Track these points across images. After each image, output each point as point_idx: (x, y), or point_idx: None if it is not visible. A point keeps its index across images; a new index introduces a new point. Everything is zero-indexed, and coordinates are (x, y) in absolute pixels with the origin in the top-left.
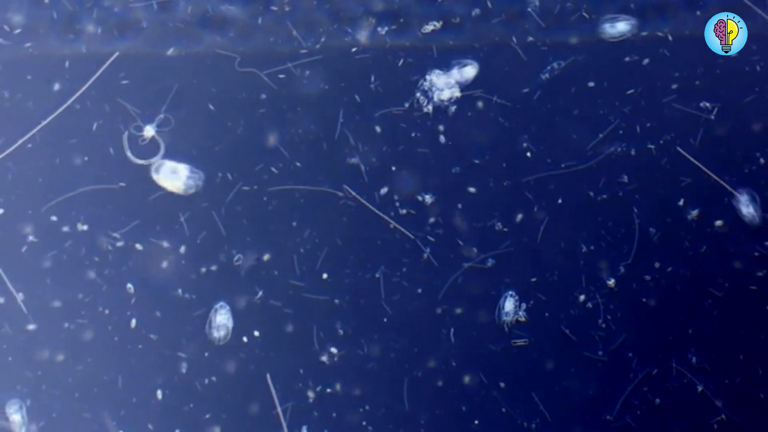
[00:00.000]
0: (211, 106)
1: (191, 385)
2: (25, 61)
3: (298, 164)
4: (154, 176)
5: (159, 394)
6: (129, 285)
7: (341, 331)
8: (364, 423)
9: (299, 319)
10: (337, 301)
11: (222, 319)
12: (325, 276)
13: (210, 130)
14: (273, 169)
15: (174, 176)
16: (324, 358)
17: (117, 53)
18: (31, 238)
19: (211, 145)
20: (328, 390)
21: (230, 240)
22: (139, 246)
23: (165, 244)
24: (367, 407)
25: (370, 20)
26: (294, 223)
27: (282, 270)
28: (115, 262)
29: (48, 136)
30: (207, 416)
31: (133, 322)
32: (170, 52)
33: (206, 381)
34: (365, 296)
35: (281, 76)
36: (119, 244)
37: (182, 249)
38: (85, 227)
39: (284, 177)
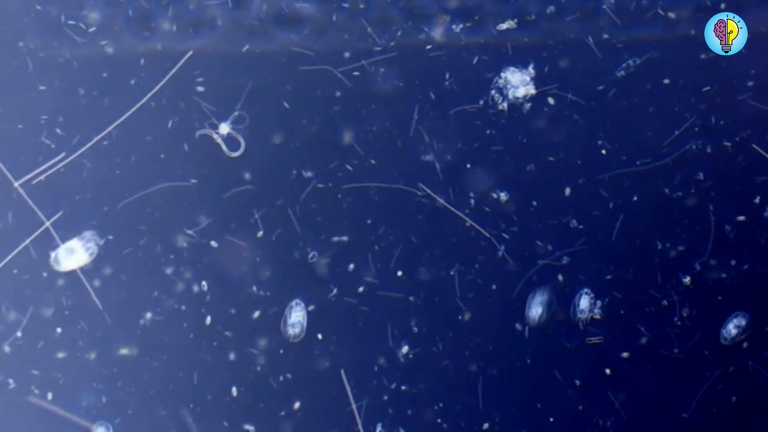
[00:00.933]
0: (285, 104)
1: (266, 381)
2: (101, 59)
3: (372, 161)
4: (57, 268)
5: (234, 391)
6: (203, 282)
7: (416, 329)
8: (438, 420)
9: (374, 316)
10: (411, 298)
11: (297, 317)
12: (399, 273)
13: (285, 128)
14: (348, 167)
15: (74, 254)
16: (399, 356)
17: (191, 51)
18: (108, 235)
19: (286, 143)
20: (403, 387)
21: (305, 237)
22: (214, 243)
23: (240, 241)
24: (441, 405)
25: (445, 18)
26: (369, 221)
27: (356, 267)
28: (190, 259)
29: (123, 134)
30: (282, 413)
31: (208, 319)
32: (245, 49)
33: (281, 378)
34: (440, 294)
35: (356, 73)
36: (194, 241)
37: (257, 246)
38: (160, 224)
39: (359, 174)
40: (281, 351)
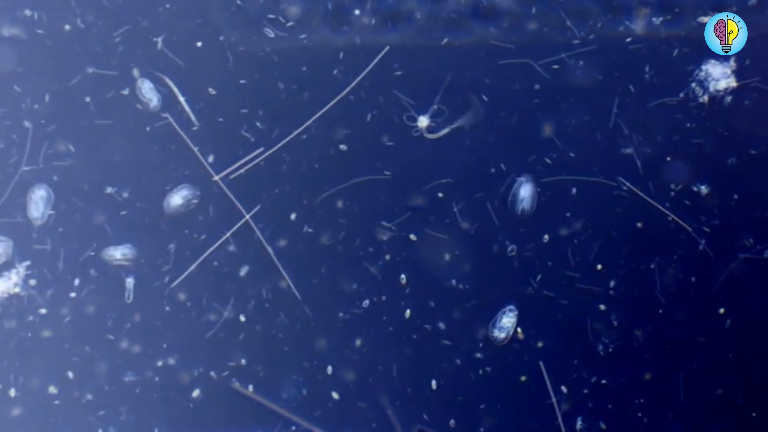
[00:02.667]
0: (484, 97)
1: (466, 375)
2: (300, 53)
3: (571, 155)
4: None
5: (434, 384)
6: (402, 275)
7: (615, 323)
8: (639, 414)
9: (573, 310)
10: (611, 292)
11: (507, 322)
12: (599, 267)
13: (483, 121)
14: (547, 160)
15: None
16: (598, 349)
17: (389, 46)
18: (306, 228)
19: (483, 136)
20: (603, 381)
21: (504, 231)
22: (413, 236)
23: (439, 234)
24: (642, 400)
25: (645, 10)
26: (568, 214)
27: (556, 260)
28: (390, 252)
29: (323, 127)
30: (482, 406)
31: (408, 313)
32: (444, 42)
33: (480, 372)
34: (639, 287)
35: (555, 66)
36: (393, 234)
37: (455, 239)
38: (359, 218)
39: (558, 167)
40: (480, 345)
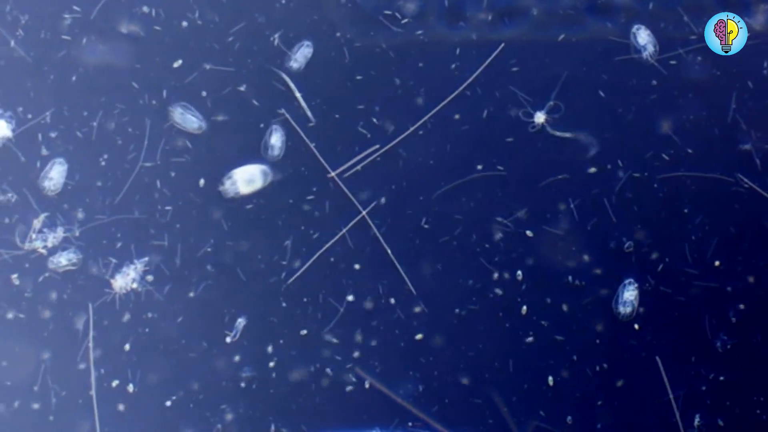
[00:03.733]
0: (601, 93)
1: (582, 371)
2: (417, 49)
3: (689, 150)
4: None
5: (550, 380)
6: (519, 272)
7: (733, 319)
8: (757, 411)
9: (691, 306)
10: (729, 288)
11: (629, 296)
12: (717, 263)
13: (600, 117)
14: (664, 156)
15: (252, 183)
16: (716, 346)
17: (505, 42)
18: (423, 224)
19: (599, 132)
20: (721, 378)
21: (620, 227)
22: (529, 233)
23: (555, 230)
24: (761, 397)
25: (764, 6)
26: (685, 210)
27: (673, 257)
28: (506, 248)
29: (439, 123)
30: (599, 403)
31: (524, 309)
32: (560, 38)
33: (597, 368)
34: (758, 284)
35: (672, 62)
36: (509, 230)
37: (571, 236)
38: (475, 214)
39: (675, 164)
40: (597, 341)
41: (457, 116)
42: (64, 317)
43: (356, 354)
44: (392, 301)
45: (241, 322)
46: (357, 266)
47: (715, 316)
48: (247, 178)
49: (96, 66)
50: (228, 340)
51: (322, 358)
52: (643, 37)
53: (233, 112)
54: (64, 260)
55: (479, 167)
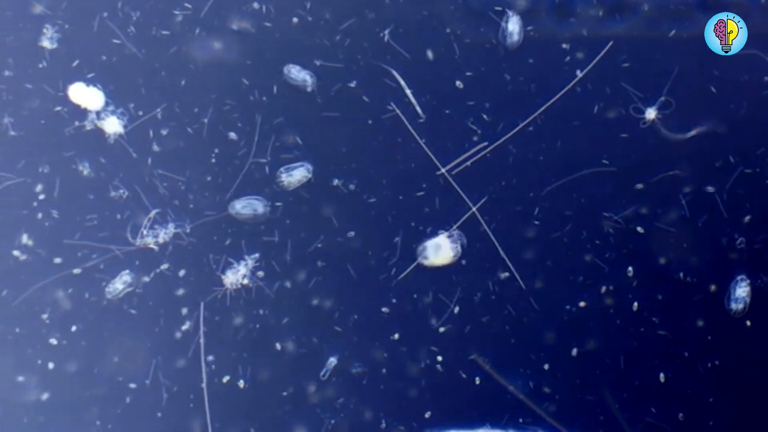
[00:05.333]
0: (712, 89)
1: (694, 368)
2: (527, 45)
3: None
4: (425, 262)
5: (662, 377)
6: (630, 268)
7: None
8: None
9: None
10: None
11: (741, 292)
12: None
13: (711, 113)
14: None
15: (440, 251)
16: None
17: (615, 38)
18: (532, 220)
19: (713, 128)
20: None
21: (731, 223)
22: (640, 229)
23: (666, 227)
24: None
25: None
26: None
27: None
28: (616, 244)
29: (549, 119)
30: (710, 400)
31: (635, 305)
32: (671, 34)
33: (709, 365)
34: None
35: None
36: (620, 227)
37: (683, 232)
38: (585, 210)
39: None
40: (708, 338)
41: (567, 112)
42: (175, 313)
43: (466, 350)
44: (502, 297)
45: (332, 361)
46: (466, 263)
47: None
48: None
49: (207, 62)
50: (321, 377)
51: (432, 354)
52: None
53: (343, 108)
54: (119, 285)
55: (590, 163)
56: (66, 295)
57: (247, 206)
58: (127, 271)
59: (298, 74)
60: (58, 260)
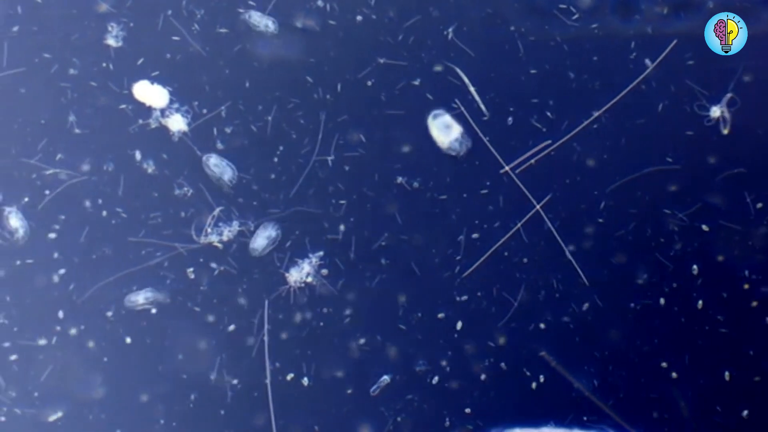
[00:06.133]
0: None
1: (759, 366)
2: (591, 42)
3: None
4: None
5: (726, 375)
6: (694, 266)
7: None
8: None
9: None
10: None
11: None
12: None
13: None
14: None
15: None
16: None
17: (680, 35)
18: (597, 218)
19: None
20: None
21: None
22: (705, 227)
23: (732, 225)
24: None
25: None
26: None
27: None
28: (681, 242)
29: (613, 117)
30: None
31: (700, 303)
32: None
33: None
34: None
35: None
36: (684, 224)
37: (748, 230)
38: (650, 208)
39: None
40: None
41: (632, 110)
42: (239, 311)
43: (530, 348)
44: (566, 294)
45: (385, 379)
46: (530, 260)
47: None
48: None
49: (270, 60)
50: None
51: (496, 353)
52: None
53: (407, 106)
54: (141, 299)
55: (654, 161)
56: (130, 292)
57: (218, 165)
58: (192, 269)
59: (259, 20)
60: (122, 258)
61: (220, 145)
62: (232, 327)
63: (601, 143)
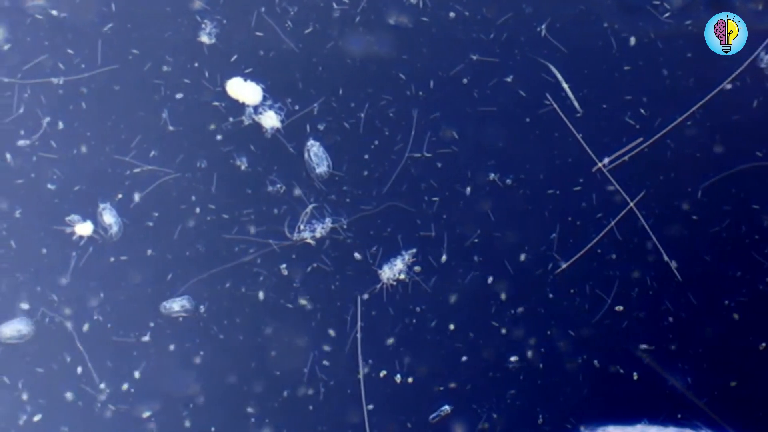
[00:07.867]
0: None
1: None
2: (685, 39)
3: None
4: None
5: None
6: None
7: None
8: None
9: None
10: None
11: None
12: None
13: None
14: None
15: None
16: None
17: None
18: (692, 216)
19: None
20: None
21: None
22: None
23: None
24: None
25: None
26: None
27: None
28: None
29: (707, 114)
30: None
31: None
32: None
33: None
34: None
35: None
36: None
37: None
38: (744, 204)
39: None
40: None
41: (725, 107)
42: (332, 307)
43: (624, 345)
44: (660, 292)
45: (445, 409)
46: (623, 258)
47: None
48: None
49: (363, 57)
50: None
51: (589, 349)
52: None
53: (500, 103)
54: (176, 306)
55: (749, 158)
56: (223, 289)
57: (318, 155)
58: (285, 265)
59: None
60: (215, 255)
61: (312, 142)
62: (324, 324)
63: (694, 140)
